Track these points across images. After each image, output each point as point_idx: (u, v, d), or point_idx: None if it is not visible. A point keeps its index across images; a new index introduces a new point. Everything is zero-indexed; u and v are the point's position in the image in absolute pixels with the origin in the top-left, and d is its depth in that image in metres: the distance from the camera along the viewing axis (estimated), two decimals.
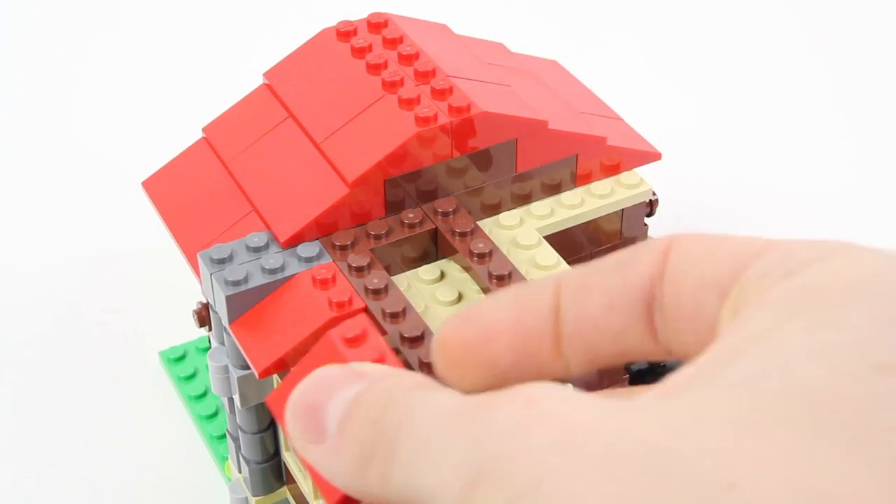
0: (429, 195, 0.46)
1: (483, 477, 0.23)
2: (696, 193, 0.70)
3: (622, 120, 0.53)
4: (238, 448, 0.49)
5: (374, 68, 0.48)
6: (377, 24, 0.50)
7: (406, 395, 0.27)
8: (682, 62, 0.84)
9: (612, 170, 0.49)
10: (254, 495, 0.49)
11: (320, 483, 0.29)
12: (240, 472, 0.50)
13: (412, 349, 0.39)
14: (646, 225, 0.51)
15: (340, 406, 0.28)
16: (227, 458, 0.55)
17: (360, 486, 0.28)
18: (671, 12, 0.89)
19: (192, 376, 0.59)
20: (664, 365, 0.46)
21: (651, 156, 0.50)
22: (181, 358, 0.60)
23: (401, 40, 0.49)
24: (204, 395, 0.58)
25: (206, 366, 0.59)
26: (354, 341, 0.31)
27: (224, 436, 0.56)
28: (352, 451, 0.28)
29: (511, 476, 0.22)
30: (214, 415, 0.57)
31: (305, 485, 0.46)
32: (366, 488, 0.28)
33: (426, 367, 0.39)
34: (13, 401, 0.60)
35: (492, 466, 0.23)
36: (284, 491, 0.49)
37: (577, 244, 0.49)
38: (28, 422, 0.59)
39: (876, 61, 0.82)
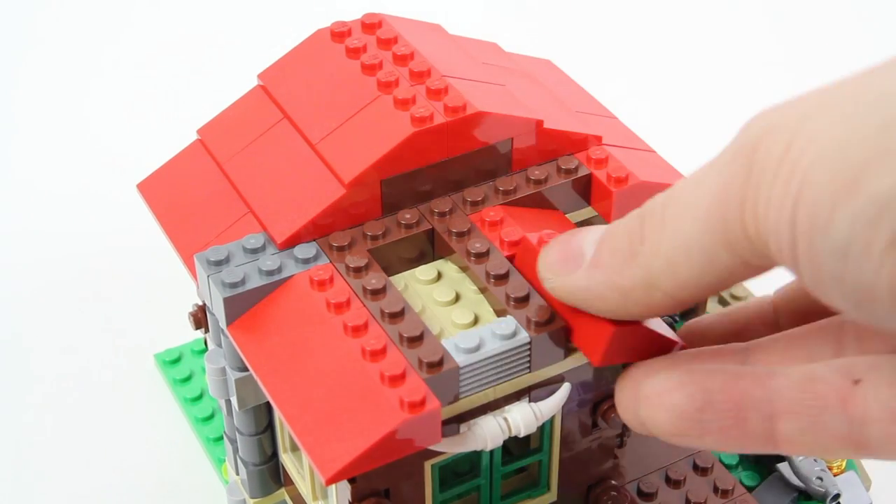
0: (425, 195, 0.46)
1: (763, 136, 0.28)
2: None
3: (617, 119, 0.53)
4: (236, 450, 0.49)
5: (369, 69, 0.48)
6: (371, 24, 0.50)
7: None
8: (675, 60, 0.84)
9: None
10: (251, 497, 0.49)
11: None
12: (237, 474, 0.50)
13: (411, 349, 0.39)
14: None
15: (593, 242, 0.34)
16: (224, 460, 0.55)
17: (623, 290, 0.33)
18: (664, 11, 0.89)
19: (187, 378, 0.59)
20: None
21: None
22: (177, 360, 0.60)
23: (395, 41, 0.49)
24: (200, 397, 0.58)
25: (202, 368, 0.59)
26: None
27: (221, 438, 0.56)
28: (615, 252, 0.33)
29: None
30: (210, 417, 0.57)
31: (304, 486, 0.46)
32: (629, 286, 0.33)
33: (426, 367, 0.39)
34: (6, 405, 0.60)
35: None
36: (282, 493, 0.49)
37: None
38: (23, 425, 0.59)
39: (874, 61, 0.82)
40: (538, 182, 0.47)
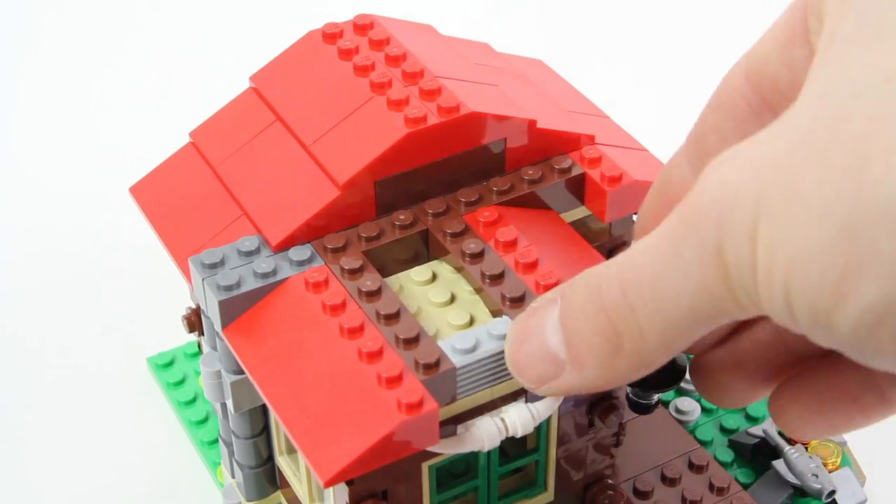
0: (419, 196, 0.46)
1: (722, 216, 0.28)
2: None
3: (609, 118, 0.53)
4: (231, 453, 0.49)
5: (362, 70, 0.47)
6: (363, 25, 0.50)
7: (598, 275, 0.32)
8: (666, 60, 0.84)
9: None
10: (247, 500, 0.49)
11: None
12: (233, 477, 0.50)
13: (407, 350, 0.39)
14: (633, 222, 0.51)
15: (555, 333, 0.33)
16: (219, 464, 0.54)
17: (618, 375, 0.32)
18: (655, 10, 0.89)
19: (181, 382, 0.59)
20: None
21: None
22: (169, 364, 0.60)
23: (387, 42, 0.49)
24: (194, 400, 0.58)
25: (196, 371, 0.59)
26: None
27: (215, 441, 0.56)
28: (593, 350, 0.32)
29: None
30: (205, 420, 0.57)
31: (300, 488, 0.46)
32: (624, 372, 0.32)
33: (423, 368, 0.39)
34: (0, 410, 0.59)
35: None
36: (278, 495, 0.49)
37: None
38: (15, 428, 0.58)
39: None
40: (532, 182, 0.47)
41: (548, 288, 0.41)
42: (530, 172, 0.47)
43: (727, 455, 0.54)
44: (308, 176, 0.45)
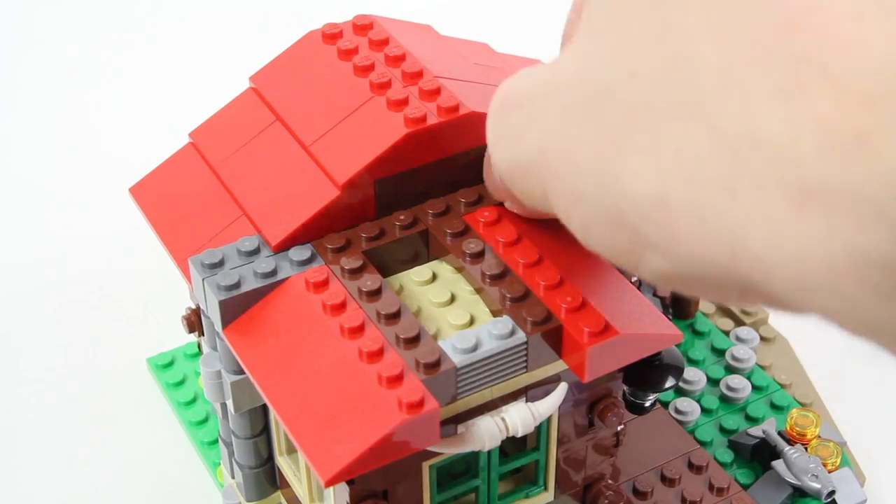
0: (420, 196, 0.46)
1: None
2: None
3: None
4: (231, 453, 0.49)
5: (362, 70, 0.47)
6: (363, 25, 0.50)
7: None
8: None
9: None
10: (247, 501, 0.49)
11: None
12: (233, 477, 0.50)
13: (408, 350, 0.39)
14: None
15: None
16: (219, 464, 0.54)
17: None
18: None
19: (181, 382, 0.59)
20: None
21: None
22: (169, 364, 0.60)
23: (387, 42, 0.49)
24: (194, 400, 0.58)
25: (195, 371, 0.59)
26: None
27: (215, 441, 0.56)
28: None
29: None
30: (205, 420, 0.57)
31: (301, 489, 0.46)
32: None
33: (424, 368, 0.39)
34: None
35: None
36: (279, 496, 0.49)
37: None
38: (13, 428, 0.58)
39: None
40: None
41: (549, 288, 0.41)
42: None
43: (727, 455, 0.54)
44: (308, 176, 0.45)
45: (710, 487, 0.51)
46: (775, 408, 0.57)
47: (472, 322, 0.42)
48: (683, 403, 0.56)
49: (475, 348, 0.40)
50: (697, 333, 0.60)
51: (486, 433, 0.41)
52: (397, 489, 0.42)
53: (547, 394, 0.43)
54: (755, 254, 0.25)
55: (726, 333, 0.60)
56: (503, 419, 0.41)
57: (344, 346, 0.40)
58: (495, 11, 0.89)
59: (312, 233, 0.44)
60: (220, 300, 0.42)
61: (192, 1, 0.91)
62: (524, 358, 0.41)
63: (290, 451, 0.47)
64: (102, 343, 0.63)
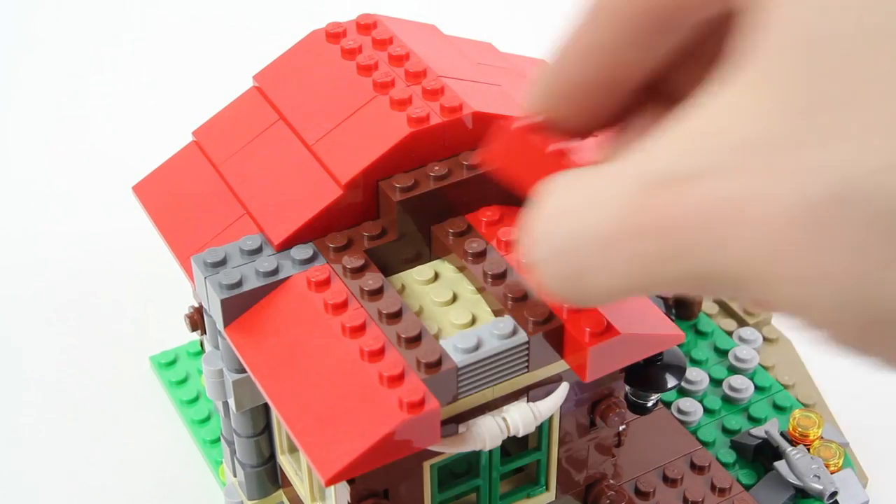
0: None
1: None
2: None
3: None
4: (233, 452, 0.49)
5: (365, 69, 0.47)
6: (366, 25, 0.50)
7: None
8: None
9: None
10: (249, 499, 0.49)
11: None
12: (234, 476, 0.50)
13: (409, 349, 0.39)
14: None
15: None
16: (221, 463, 0.54)
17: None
18: None
19: (183, 381, 0.59)
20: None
21: None
22: (172, 362, 0.60)
23: (390, 41, 0.49)
24: (196, 399, 0.58)
25: (198, 370, 0.59)
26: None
27: (217, 440, 0.56)
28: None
29: None
30: (207, 419, 0.57)
31: (302, 487, 0.46)
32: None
33: (425, 367, 0.39)
34: (1, 408, 0.59)
35: None
36: (280, 494, 0.49)
37: None
38: (18, 427, 0.58)
39: None
40: None
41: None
42: None
43: (729, 456, 0.54)
44: (310, 175, 0.45)
45: (713, 488, 0.51)
46: (778, 408, 0.57)
47: (473, 322, 0.42)
48: (686, 403, 0.56)
49: (476, 348, 0.40)
50: (700, 334, 0.60)
51: (487, 433, 0.41)
52: (398, 488, 0.42)
53: (548, 394, 0.43)
54: None
55: (729, 334, 0.60)
56: (504, 419, 0.41)
57: (345, 345, 0.40)
58: (499, 11, 0.89)
59: (315, 232, 0.44)
60: (222, 299, 0.42)
61: (197, 0, 0.91)
62: (525, 358, 0.40)
63: (292, 449, 0.47)
64: (105, 341, 0.63)
